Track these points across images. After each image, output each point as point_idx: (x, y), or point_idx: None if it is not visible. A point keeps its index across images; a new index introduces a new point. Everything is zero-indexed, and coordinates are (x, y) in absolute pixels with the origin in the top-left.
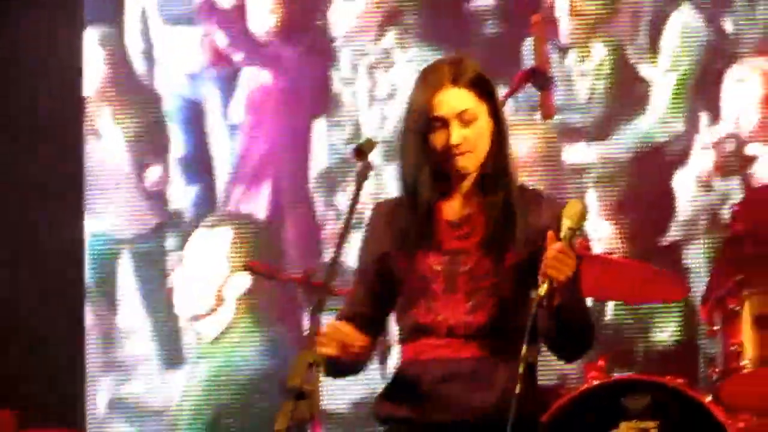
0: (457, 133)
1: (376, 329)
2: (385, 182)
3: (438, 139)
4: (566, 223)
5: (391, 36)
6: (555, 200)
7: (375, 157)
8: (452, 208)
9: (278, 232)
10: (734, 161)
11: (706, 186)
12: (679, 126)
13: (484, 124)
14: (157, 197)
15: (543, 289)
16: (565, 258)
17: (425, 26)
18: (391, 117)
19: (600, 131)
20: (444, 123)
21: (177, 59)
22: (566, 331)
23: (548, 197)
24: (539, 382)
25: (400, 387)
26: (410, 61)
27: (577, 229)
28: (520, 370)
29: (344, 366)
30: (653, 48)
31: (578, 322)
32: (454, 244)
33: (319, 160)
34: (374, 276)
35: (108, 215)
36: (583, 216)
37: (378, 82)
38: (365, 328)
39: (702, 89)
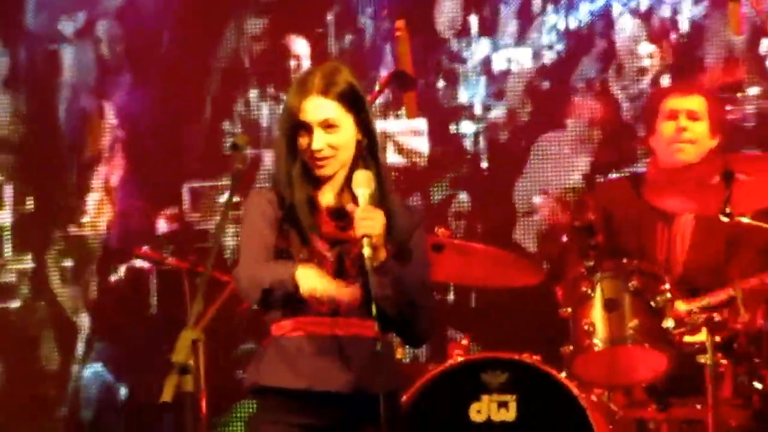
0: (319, 139)
1: None
2: None
3: (303, 142)
4: (364, 191)
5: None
6: (413, 208)
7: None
8: (328, 201)
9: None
10: None
11: None
12: None
13: (348, 132)
14: None
15: (366, 250)
16: (371, 214)
17: None
18: None
19: None
20: (308, 128)
21: None
22: (403, 296)
23: (407, 204)
24: (410, 360)
25: (279, 360)
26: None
27: (371, 193)
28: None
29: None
30: None
31: (410, 283)
32: (337, 234)
33: None
34: (270, 231)
35: None
36: (371, 179)
37: None
38: None
39: None
